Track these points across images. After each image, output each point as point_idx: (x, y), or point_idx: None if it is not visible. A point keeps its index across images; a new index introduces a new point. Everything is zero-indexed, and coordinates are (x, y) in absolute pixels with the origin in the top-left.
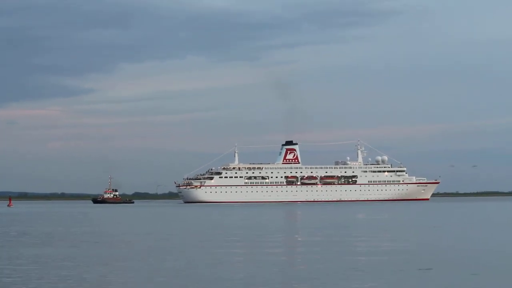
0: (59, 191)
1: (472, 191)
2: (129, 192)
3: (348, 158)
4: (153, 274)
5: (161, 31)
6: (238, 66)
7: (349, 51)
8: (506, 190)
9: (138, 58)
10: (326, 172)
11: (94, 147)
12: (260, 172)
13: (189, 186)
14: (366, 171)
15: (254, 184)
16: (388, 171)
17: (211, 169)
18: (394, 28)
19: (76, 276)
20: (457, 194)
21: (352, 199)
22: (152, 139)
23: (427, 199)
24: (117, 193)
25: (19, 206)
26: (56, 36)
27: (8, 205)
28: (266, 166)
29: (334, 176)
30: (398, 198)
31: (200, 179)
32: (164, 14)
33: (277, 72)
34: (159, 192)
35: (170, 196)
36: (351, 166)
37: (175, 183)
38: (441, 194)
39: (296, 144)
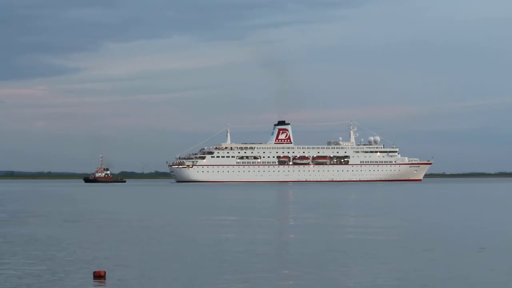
0: (46, 170)
1: (459, 172)
2: (116, 171)
3: (341, 138)
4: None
5: (148, 10)
6: (225, 46)
7: (336, 31)
8: (493, 172)
9: (124, 37)
10: (318, 152)
11: (80, 126)
12: (252, 152)
13: (181, 165)
14: (358, 152)
15: (246, 164)
16: (380, 152)
17: (203, 149)
18: (382, 7)
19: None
20: (444, 175)
21: (344, 180)
22: (139, 118)
23: (420, 180)
24: (108, 172)
25: (6, 185)
26: (42, 15)
27: None
28: (258, 146)
29: (326, 156)
30: (390, 179)
31: (192, 158)
32: None
33: (264, 51)
34: (146, 171)
35: (157, 175)
36: (343, 146)
37: (167, 162)
38: (427, 175)
39: (288, 124)
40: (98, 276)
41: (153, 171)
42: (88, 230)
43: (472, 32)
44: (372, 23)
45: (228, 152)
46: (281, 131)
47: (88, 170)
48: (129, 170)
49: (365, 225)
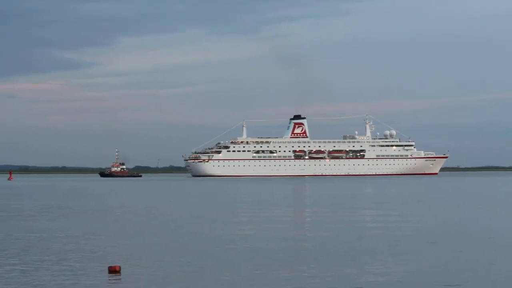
0: (60, 165)
1: (473, 166)
2: (130, 165)
3: (356, 132)
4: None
5: (161, 4)
6: (238, 40)
7: (351, 24)
8: (507, 165)
9: (138, 32)
10: (334, 147)
11: (94, 120)
12: (268, 146)
13: (197, 160)
14: (374, 146)
15: (262, 158)
16: (396, 146)
17: (219, 143)
18: (394, 0)
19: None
20: (458, 169)
21: (360, 174)
22: (153, 113)
23: (436, 174)
24: (124, 166)
25: (20, 180)
26: (56, 9)
27: (8, 179)
28: (274, 140)
29: (342, 150)
30: (406, 173)
31: (208, 153)
32: None
33: (278, 45)
34: (160, 166)
35: (172, 169)
36: (359, 140)
37: (183, 156)
38: (442, 168)
39: (304, 118)
40: (113, 271)
41: (167, 165)
42: (105, 224)
43: (489, 25)
44: (385, 16)
45: (244, 147)
46: (296, 125)
47: (102, 164)
48: (143, 165)
49: (384, 220)
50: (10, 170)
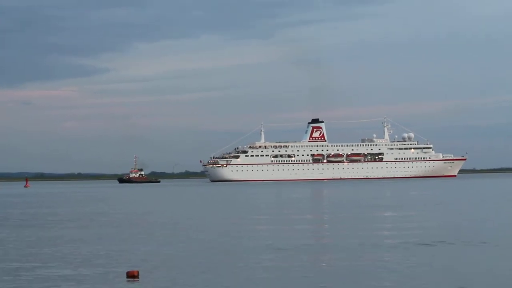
0: (76, 171)
1: (489, 168)
2: (147, 171)
3: (375, 135)
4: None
5: (175, 10)
6: (255, 44)
7: (368, 27)
8: None
9: (152, 38)
10: (353, 150)
11: (110, 127)
12: (286, 150)
13: (216, 165)
14: (392, 148)
15: (280, 162)
16: (414, 148)
17: (237, 148)
18: (412, 3)
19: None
20: (474, 171)
21: (379, 177)
22: (169, 118)
23: (454, 176)
24: (143, 172)
25: (36, 187)
26: (70, 16)
27: (24, 186)
28: (292, 144)
29: (361, 153)
30: (425, 175)
31: (226, 158)
32: None
33: (295, 49)
34: (176, 171)
35: (188, 175)
36: (377, 143)
37: (201, 161)
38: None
39: (322, 122)
40: (132, 276)
41: (183, 171)
42: (125, 230)
43: (506, 26)
44: (402, 19)
45: (262, 151)
46: (315, 129)
47: (118, 171)
48: (159, 170)
49: (404, 224)
50: (26, 177)
